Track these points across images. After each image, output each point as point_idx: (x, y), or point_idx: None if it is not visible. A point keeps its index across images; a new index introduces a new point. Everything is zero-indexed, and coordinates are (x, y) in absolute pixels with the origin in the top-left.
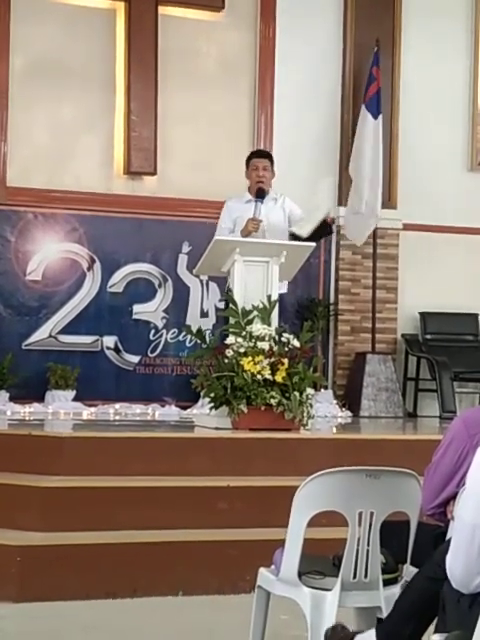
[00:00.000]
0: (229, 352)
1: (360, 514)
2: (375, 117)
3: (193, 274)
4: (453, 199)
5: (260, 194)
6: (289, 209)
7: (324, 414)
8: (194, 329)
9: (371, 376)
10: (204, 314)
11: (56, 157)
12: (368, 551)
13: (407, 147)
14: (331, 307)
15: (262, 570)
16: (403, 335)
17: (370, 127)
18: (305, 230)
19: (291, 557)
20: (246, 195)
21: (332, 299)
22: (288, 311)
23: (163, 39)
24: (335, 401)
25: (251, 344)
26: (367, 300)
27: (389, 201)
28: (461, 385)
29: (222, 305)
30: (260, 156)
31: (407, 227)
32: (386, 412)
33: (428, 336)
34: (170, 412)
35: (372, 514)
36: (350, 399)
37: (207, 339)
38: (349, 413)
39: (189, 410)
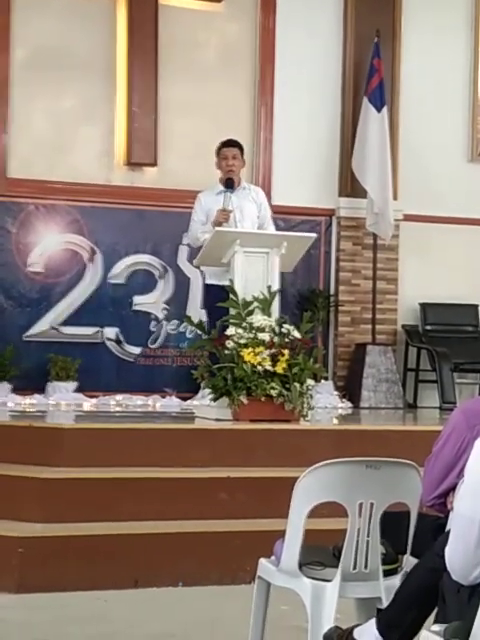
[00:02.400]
0: (230, 343)
1: (360, 505)
2: (379, 110)
3: (194, 265)
4: (454, 190)
5: (229, 184)
6: (260, 202)
7: (324, 405)
8: (195, 320)
9: (371, 367)
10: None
11: (57, 148)
12: (368, 542)
13: (407, 138)
14: (331, 298)
15: (262, 561)
16: (403, 326)
17: (374, 120)
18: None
19: (291, 548)
20: (217, 186)
21: (332, 290)
22: (288, 302)
23: (163, 30)
24: (335, 392)
25: (251, 335)
26: (367, 291)
27: None
28: (461, 376)
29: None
30: (229, 145)
31: (407, 218)
32: (386, 403)
33: (428, 327)
34: (171, 403)
35: (372, 505)
36: (350, 390)
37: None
38: (349, 404)
39: (190, 401)
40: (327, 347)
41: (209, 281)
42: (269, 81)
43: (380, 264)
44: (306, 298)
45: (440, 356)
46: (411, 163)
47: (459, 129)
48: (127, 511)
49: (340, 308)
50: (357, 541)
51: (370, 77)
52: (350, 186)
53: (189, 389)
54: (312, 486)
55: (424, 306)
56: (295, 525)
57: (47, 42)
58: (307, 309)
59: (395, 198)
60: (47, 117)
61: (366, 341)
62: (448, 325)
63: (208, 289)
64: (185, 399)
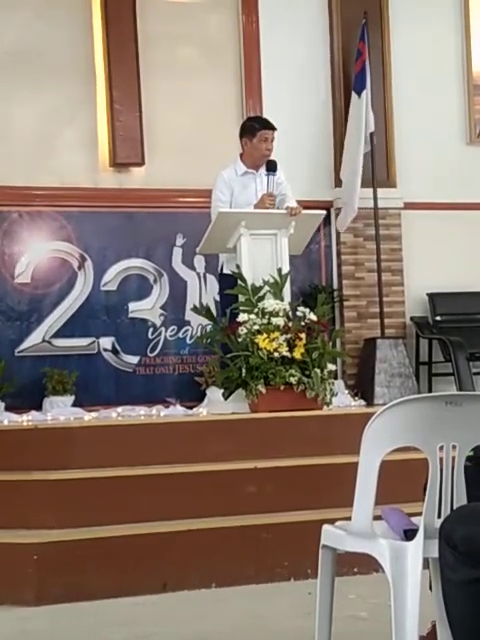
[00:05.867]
0: (242, 330)
1: (441, 448)
2: (359, 95)
3: (197, 253)
4: (454, 174)
5: (271, 167)
6: (278, 181)
7: (336, 405)
8: (194, 325)
9: (383, 362)
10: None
11: (38, 152)
12: (453, 490)
13: (403, 123)
14: (335, 293)
15: (326, 526)
16: (412, 318)
17: (354, 106)
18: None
19: (364, 505)
20: (240, 166)
21: (336, 285)
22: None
23: (142, 22)
24: (347, 391)
25: (265, 321)
26: (372, 284)
27: (388, 180)
28: (474, 365)
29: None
30: (270, 127)
31: (408, 206)
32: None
33: (438, 317)
34: (175, 412)
35: (455, 448)
36: (362, 388)
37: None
38: (362, 402)
39: (195, 409)
40: (334, 345)
41: (226, 271)
42: (256, 72)
43: (384, 255)
44: (309, 295)
45: (455, 346)
46: (408, 149)
47: (455, 111)
48: (148, 510)
49: (345, 303)
50: (440, 491)
51: (356, 62)
52: None
53: (193, 397)
54: (384, 430)
55: (432, 296)
56: (366, 477)
57: (20, 41)
58: (311, 306)
59: (394, 186)
60: (25, 120)
61: (375, 336)
62: (459, 314)
63: (222, 279)
64: (189, 408)
